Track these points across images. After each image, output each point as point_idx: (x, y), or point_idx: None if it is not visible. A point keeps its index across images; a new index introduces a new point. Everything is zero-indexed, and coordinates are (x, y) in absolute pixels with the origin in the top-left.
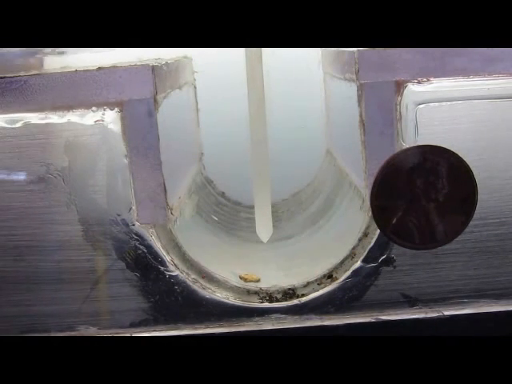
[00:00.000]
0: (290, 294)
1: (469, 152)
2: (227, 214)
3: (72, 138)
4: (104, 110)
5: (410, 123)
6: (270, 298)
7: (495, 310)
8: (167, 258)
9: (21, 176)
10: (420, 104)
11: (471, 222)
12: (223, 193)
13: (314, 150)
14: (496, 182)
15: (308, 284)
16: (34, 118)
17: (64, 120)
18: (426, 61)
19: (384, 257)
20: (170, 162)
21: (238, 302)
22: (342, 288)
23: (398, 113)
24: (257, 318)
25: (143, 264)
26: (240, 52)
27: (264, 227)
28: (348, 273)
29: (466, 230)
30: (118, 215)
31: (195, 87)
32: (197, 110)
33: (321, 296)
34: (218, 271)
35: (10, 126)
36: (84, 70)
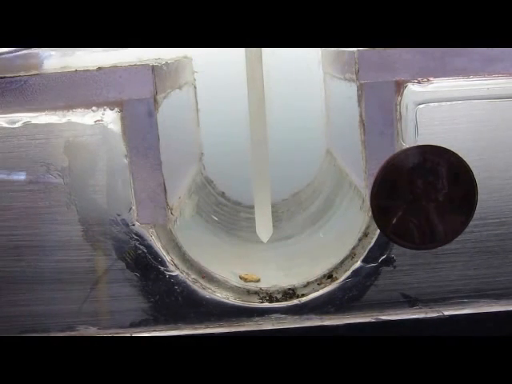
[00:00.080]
0: (290, 293)
1: (469, 152)
2: (227, 214)
3: (72, 138)
4: (104, 109)
5: (410, 123)
6: (270, 297)
7: (495, 310)
8: (167, 257)
9: (21, 176)
10: (420, 104)
11: (471, 222)
12: (223, 193)
13: (313, 149)
14: (496, 181)
15: (308, 284)
16: (34, 117)
17: (64, 120)
18: (426, 61)
19: (384, 257)
20: (170, 162)
21: (238, 302)
22: (342, 288)
23: (397, 113)
24: (257, 318)
25: (143, 264)
26: (240, 52)
27: (264, 227)
28: (348, 273)
29: (466, 230)
30: (118, 215)
31: (195, 87)
32: (197, 109)
33: (321, 296)
34: (218, 271)
35: (10, 126)
36: (84, 70)
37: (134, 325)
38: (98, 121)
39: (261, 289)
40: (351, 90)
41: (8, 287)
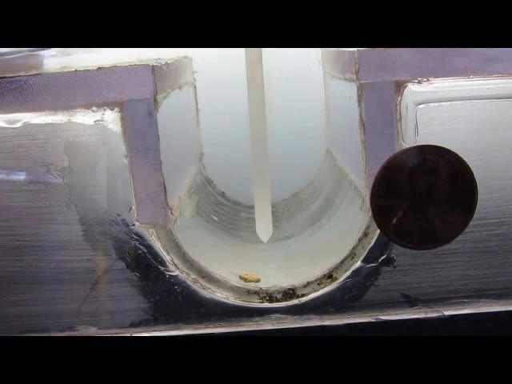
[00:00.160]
0: (290, 293)
1: (469, 152)
2: (227, 213)
3: (72, 138)
4: (104, 109)
5: (410, 123)
6: (270, 297)
7: (495, 310)
8: (167, 257)
9: (21, 176)
10: (420, 104)
11: (471, 222)
12: (223, 193)
13: (314, 149)
14: (496, 181)
15: (308, 284)
16: (33, 117)
17: (64, 120)
18: (426, 61)
19: (384, 257)
20: (170, 162)
21: (238, 302)
22: (341, 288)
23: (397, 113)
24: (257, 318)
25: (143, 264)
26: (240, 52)
27: (264, 227)
28: (348, 273)
29: (466, 230)
30: (118, 215)
31: (195, 87)
32: (197, 109)
33: (321, 296)
34: (218, 271)
35: (10, 126)
36: (84, 70)
37: (133, 325)
38: (98, 121)
39: (261, 289)
40: (351, 90)
41: (8, 287)
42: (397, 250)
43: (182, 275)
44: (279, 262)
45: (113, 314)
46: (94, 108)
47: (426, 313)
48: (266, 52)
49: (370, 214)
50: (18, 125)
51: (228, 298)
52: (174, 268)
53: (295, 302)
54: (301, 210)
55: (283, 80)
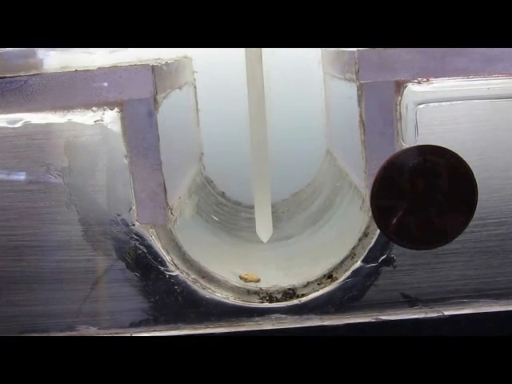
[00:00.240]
0: (290, 293)
1: (469, 152)
2: (227, 213)
3: (72, 138)
4: (104, 109)
5: (410, 123)
6: (270, 298)
7: (495, 310)
8: (167, 257)
9: (21, 176)
10: (420, 104)
11: (471, 222)
12: (223, 193)
13: (314, 149)
14: (496, 181)
15: (308, 284)
16: (34, 117)
17: (64, 120)
18: (426, 61)
19: (384, 257)
20: (170, 162)
21: (238, 302)
22: (342, 288)
23: (397, 113)
24: (257, 318)
25: (143, 264)
26: (240, 52)
27: (264, 227)
28: (348, 273)
29: (466, 230)
30: (118, 215)
31: (195, 87)
32: (197, 109)
33: (321, 296)
34: (218, 271)
35: (10, 126)
36: (84, 70)
37: (133, 325)
38: (98, 121)
39: (261, 289)
40: (351, 89)
41: (8, 287)
42: (397, 250)
43: (181, 275)
44: (279, 262)
45: (113, 314)
46: (93, 108)
47: (426, 313)
48: (266, 52)
49: (370, 213)
50: (18, 125)
51: (228, 298)
52: (174, 268)
53: (295, 301)
54: (301, 210)
55: (283, 80)
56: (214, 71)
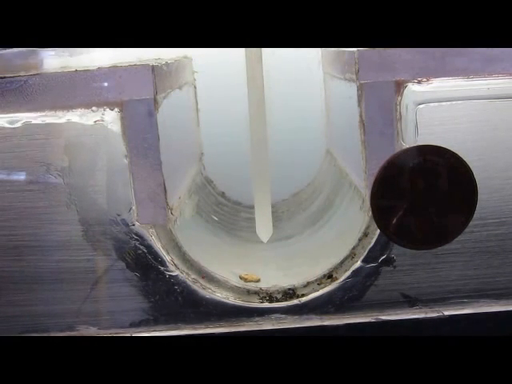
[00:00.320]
0: (290, 294)
1: (469, 152)
2: (227, 213)
3: (72, 138)
4: (104, 109)
5: (410, 123)
6: (270, 298)
7: (495, 310)
8: (167, 257)
9: (21, 176)
10: (420, 104)
11: (471, 222)
12: (223, 193)
13: (314, 150)
14: (496, 181)
15: (308, 284)
16: (34, 117)
17: (64, 120)
18: (426, 61)
19: (384, 257)
20: (170, 162)
21: (238, 302)
22: (342, 288)
23: (397, 113)
24: (257, 318)
25: (143, 264)
26: (240, 52)
27: (264, 227)
28: (348, 273)
29: (466, 230)
30: (118, 215)
31: (195, 87)
32: (197, 109)
33: (321, 296)
34: (218, 271)
35: (10, 126)
36: (84, 70)
37: (133, 325)
38: (98, 121)
39: (261, 289)
40: (351, 89)
41: (8, 287)
42: (397, 250)
43: (182, 275)
44: (279, 262)
45: (113, 314)
46: (93, 108)
47: (426, 313)
48: (266, 52)
49: (370, 213)
50: (18, 125)
51: (228, 298)
52: (174, 268)
53: (295, 302)
54: (301, 210)
55: (283, 80)
56: (213, 71)
